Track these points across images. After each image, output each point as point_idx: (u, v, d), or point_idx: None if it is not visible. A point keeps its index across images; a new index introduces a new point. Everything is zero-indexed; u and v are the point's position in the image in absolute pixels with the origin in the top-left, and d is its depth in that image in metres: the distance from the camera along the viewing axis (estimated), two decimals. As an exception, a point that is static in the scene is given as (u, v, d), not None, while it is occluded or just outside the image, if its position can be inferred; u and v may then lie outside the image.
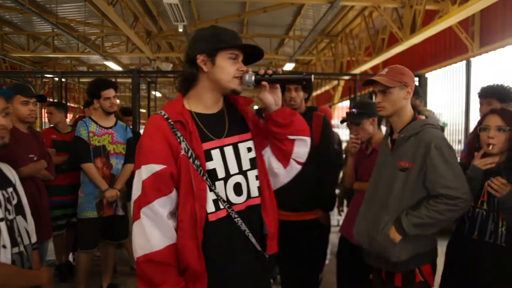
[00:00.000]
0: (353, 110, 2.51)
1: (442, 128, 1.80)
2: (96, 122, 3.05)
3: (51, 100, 6.34)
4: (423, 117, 1.83)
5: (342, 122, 2.69)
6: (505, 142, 1.78)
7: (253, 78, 1.34)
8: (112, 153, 3.06)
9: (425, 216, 1.67)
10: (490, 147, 1.80)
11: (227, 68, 1.33)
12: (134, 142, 3.24)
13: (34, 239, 1.54)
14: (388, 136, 1.94)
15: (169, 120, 1.30)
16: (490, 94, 2.62)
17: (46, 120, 6.80)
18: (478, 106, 2.72)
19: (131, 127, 3.94)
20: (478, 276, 1.81)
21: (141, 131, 5.02)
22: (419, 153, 1.70)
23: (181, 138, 1.28)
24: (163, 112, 1.33)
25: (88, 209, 2.98)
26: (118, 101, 3.41)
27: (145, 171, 1.26)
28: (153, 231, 1.23)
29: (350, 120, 2.51)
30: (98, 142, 3.02)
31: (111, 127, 3.12)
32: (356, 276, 2.49)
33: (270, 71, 1.36)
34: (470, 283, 1.84)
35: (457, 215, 1.71)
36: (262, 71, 1.37)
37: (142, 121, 5.46)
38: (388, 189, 1.79)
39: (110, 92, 3.03)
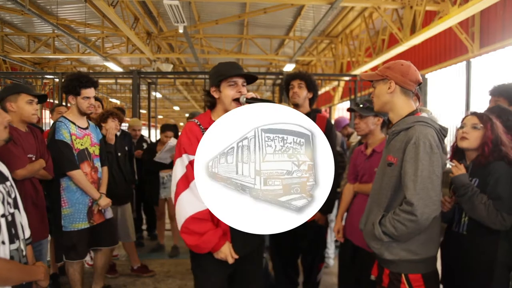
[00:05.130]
0: (364, 103, 2.48)
1: (444, 129, 1.72)
2: (74, 123, 2.75)
3: (51, 101, 6.34)
4: (424, 114, 1.76)
5: (349, 110, 2.72)
6: (478, 138, 1.94)
7: (244, 100, 1.78)
8: (94, 155, 2.87)
9: (389, 225, 1.62)
10: (462, 140, 1.98)
11: (227, 93, 1.80)
12: (104, 143, 3.12)
13: (27, 234, 1.54)
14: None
15: (201, 126, 1.80)
16: (498, 92, 2.61)
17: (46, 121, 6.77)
18: (480, 105, 2.71)
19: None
20: (451, 265, 2.00)
21: (147, 133, 5.05)
22: (402, 148, 1.66)
23: None
24: (196, 121, 1.84)
25: (78, 220, 2.74)
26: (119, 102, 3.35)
27: (186, 158, 1.76)
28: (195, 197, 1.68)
29: (358, 111, 2.48)
30: (81, 145, 2.76)
31: (87, 128, 2.87)
32: (357, 277, 2.49)
33: (250, 95, 1.80)
34: (447, 271, 2.04)
35: (418, 227, 1.58)
36: (248, 95, 1.81)
37: (145, 122, 5.43)
38: (379, 184, 1.79)
39: (91, 92, 2.76)
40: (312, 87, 2.73)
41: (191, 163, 1.72)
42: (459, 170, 1.94)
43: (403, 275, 1.69)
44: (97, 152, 2.93)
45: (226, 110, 1.77)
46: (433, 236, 1.72)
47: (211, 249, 1.73)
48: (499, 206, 1.80)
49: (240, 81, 1.81)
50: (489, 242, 1.87)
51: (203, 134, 1.69)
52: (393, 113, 1.78)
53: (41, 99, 2.66)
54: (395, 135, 1.73)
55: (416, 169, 1.58)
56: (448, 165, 2.71)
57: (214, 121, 1.72)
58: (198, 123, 1.82)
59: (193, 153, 1.67)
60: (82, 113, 2.81)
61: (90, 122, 3.00)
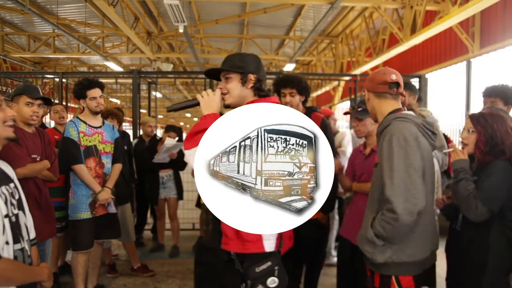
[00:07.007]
0: (360, 105, 2.51)
1: (428, 123, 1.75)
2: (85, 122, 3.01)
3: (57, 102, 6.35)
4: (409, 112, 1.75)
5: (345, 114, 2.76)
6: (473, 142, 1.96)
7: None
8: (102, 152, 3.04)
9: (378, 227, 1.58)
10: (464, 148, 2.02)
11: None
12: (121, 142, 3.26)
13: (33, 235, 1.55)
14: None
15: None
16: (494, 93, 2.65)
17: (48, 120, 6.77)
18: (480, 106, 2.73)
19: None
20: (452, 263, 2.05)
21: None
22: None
23: None
24: None
25: (81, 210, 2.93)
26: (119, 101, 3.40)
27: None
28: None
29: (354, 114, 2.53)
30: (89, 142, 2.98)
31: (100, 127, 3.09)
32: (355, 277, 2.50)
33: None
34: (450, 269, 2.07)
35: (403, 224, 1.52)
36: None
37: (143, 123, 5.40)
38: (371, 187, 1.82)
39: (96, 92, 2.98)
40: (303, 90, 2.66)
41: None
42: (457, 155, 1.98)
43: (393, 277, 1.64)
44: (107, 149, 3.09)
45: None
46: (426, 235, 1.67)
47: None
48: (477, 194, 1.82)
49: (222, 79, 1.75)
50: (480, 240, 1.85)
51: None
52: (379, 116, 1.82)
53: (45, 101, 2.74)
54: (380, 136, 1.74)
55: (392, 164, 1.55)
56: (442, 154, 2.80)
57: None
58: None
59: None
60: (93, 112, 3.02)
61: (106, 122, 3.20)
